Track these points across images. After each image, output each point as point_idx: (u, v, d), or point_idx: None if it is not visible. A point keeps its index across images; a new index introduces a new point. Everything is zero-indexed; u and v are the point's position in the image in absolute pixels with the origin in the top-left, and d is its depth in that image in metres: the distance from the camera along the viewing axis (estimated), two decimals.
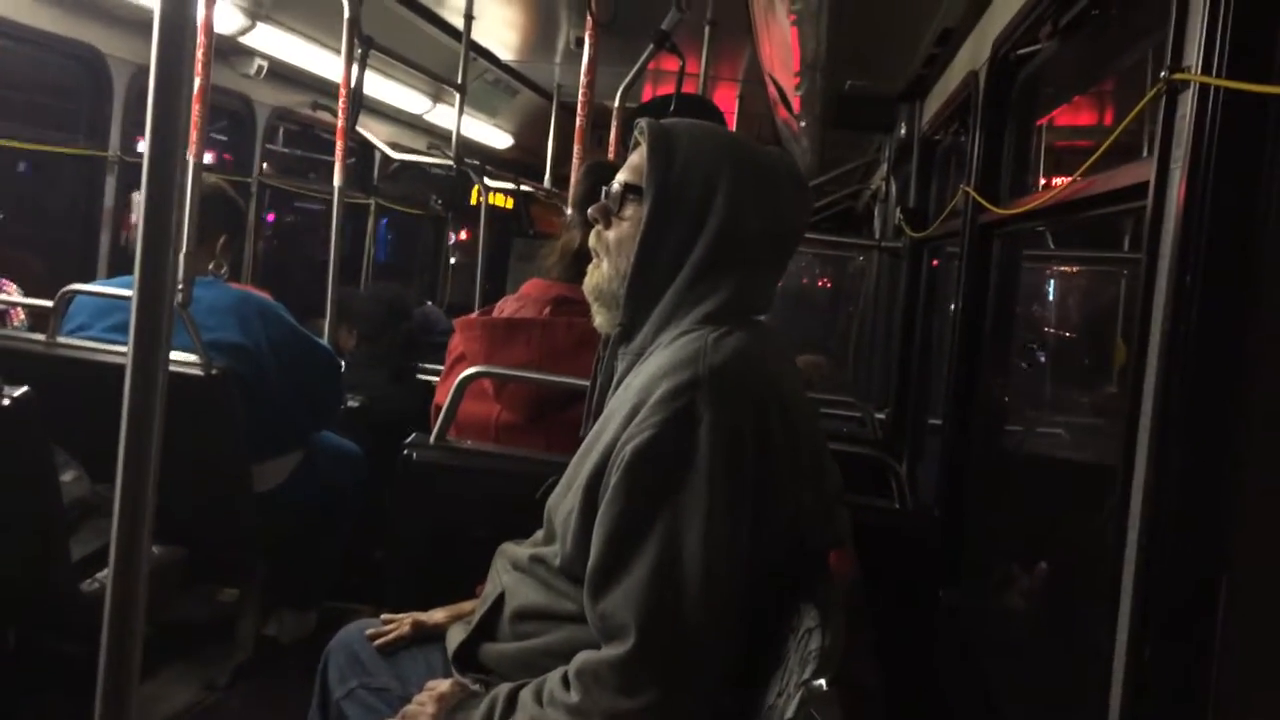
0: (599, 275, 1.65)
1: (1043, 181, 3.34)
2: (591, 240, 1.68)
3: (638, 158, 1.62)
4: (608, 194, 1.64)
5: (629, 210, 1.61)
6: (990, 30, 2.60)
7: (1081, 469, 3.26)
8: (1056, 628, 2.56)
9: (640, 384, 1.47)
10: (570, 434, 1.84)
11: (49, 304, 2.87)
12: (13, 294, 3.40)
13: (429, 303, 6.44)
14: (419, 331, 4.33)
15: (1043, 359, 5.11)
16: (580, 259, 2.31)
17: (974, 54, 2.85)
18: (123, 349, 1.11)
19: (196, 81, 2.80)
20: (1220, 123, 1.13)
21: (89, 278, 3.64)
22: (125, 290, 2.67)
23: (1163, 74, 1.22)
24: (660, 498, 1.38)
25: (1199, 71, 1.14)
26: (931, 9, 3.01)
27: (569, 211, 2.46)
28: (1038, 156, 2.85)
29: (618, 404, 1.52)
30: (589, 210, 1.67)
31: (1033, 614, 2.66)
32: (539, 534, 1.65)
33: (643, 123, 1.62)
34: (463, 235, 8.37)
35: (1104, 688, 1.33)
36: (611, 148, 3.66)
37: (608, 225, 1.64)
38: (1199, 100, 1.15)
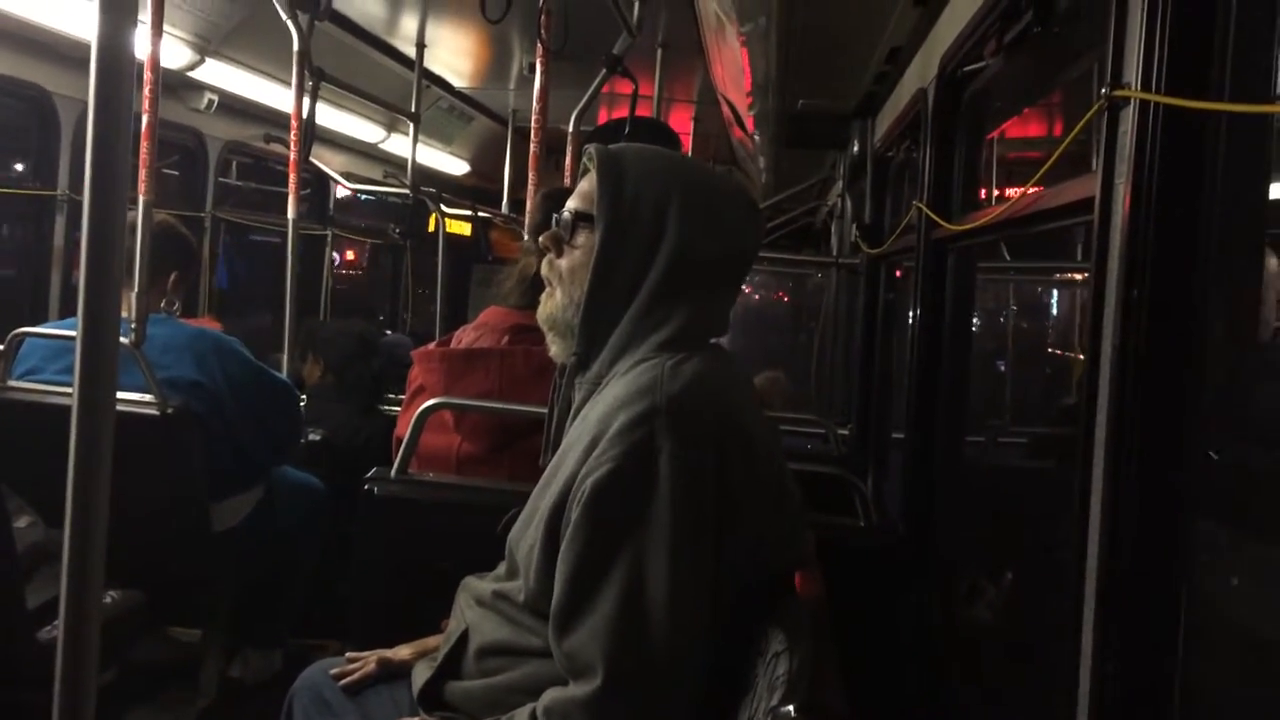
0: (552, 304, 1.64)
1: (997, 192, 3.38)
2: (544, 269, 1.66)
3: (587, 184, 1.61)
4: (558, 222, 1.63)
5: (580, 238, 1.59)
6: (937, 48, 2.63)
7: (1044, 478, 3.28)
8: (1025, 642, 2.57)
9: (598, 415, 1.46)
10: (532, 463, 1.83)
11: None
12: None
13: (389, 331, 6.41)
14: (387, 364, 4.29)
15: (1003, 368, 5.17)
16: (538, 285, 2.30)
17: (922, 71, 2.88)
18: (72, 390, 1.10)
19: (145, 118, 2.78)
20: (1161, 138, 1.14)
21: (40, 319, 3.58)
22: (74, 331, 2.63)
23: (1103, 91, 1.24)
24: (622, 532, 1.37)
25: (1138, 88, 1.16)
26: (880, 28, 3.04)
27: (525, 237, 2.46)
28: (988, 170, 2.88)
29: (576, 435, 1.51)
30: (540, 240, 1.66)
31: (1001, 628, 2.67)
32: (501, 568, 1.64)
33: (591, 149, 1.61)
34: (349, 255, 8.16)
35: (1071, 701, 1.33)
36: (567, 172, 3.66)
37: (559, 253, 1.63)
38: (1139, 116, 1.16)
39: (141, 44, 2.81)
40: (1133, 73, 1.19)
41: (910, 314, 2.87)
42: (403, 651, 1.83)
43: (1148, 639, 1.22)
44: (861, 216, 4.30)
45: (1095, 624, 1.28)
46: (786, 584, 1.55)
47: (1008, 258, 4.24)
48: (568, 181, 3.54)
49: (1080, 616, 1.32)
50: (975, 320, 3.46)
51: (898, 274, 4.03)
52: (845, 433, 3.98)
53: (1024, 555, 2.71)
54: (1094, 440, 1.31)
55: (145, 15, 2.75)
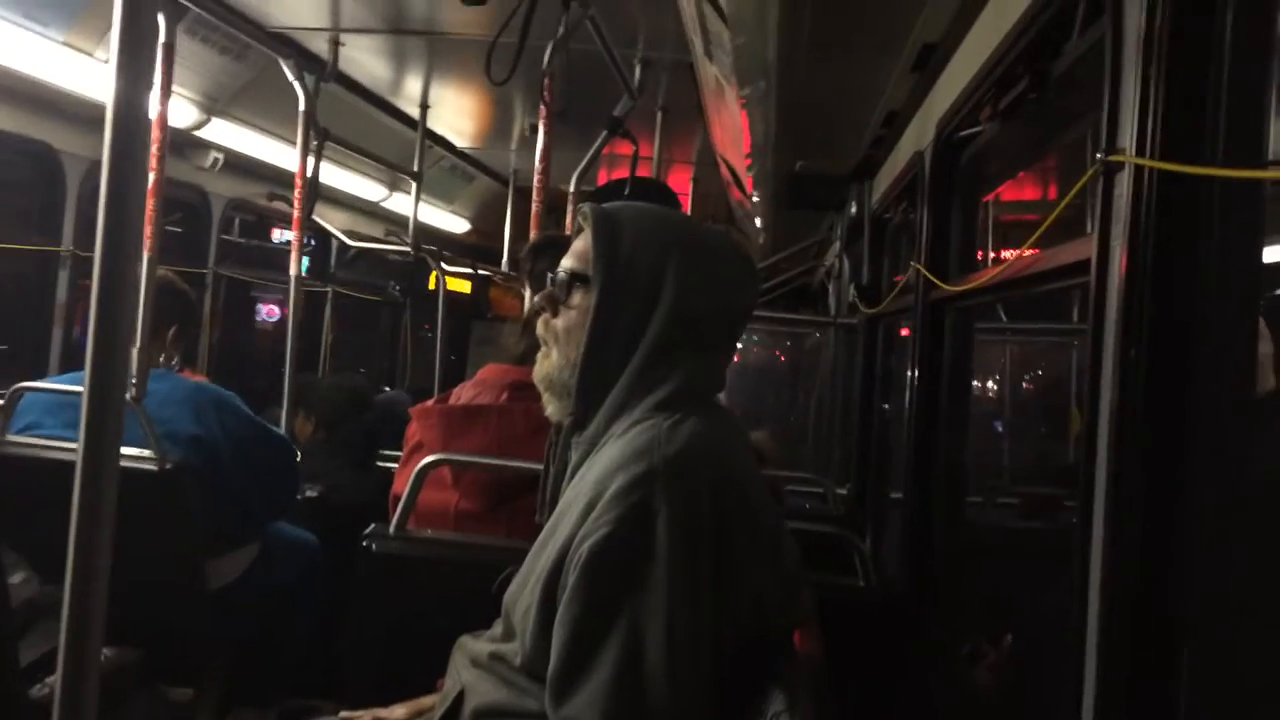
0: (549, 364, 1.64)
1: (994, 254, 3.41)
2: (540, 329, 1.66)
3: (582, 244, 1.60)
4: (554, 282, 1.63)
5: (576, 298, 1.59)
6: (934, 112, 2.67)
7: (1042, 538, 3.27)
8: (1025, 704, 2.55)
9: (595, 476, 1.45)
10: (530, 521, 1.82)
11: None
12: None
13: (386, 388, 6.42)
14: (382, 420, 4.29)
15: (1000, 429, 5.17)
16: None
17: (919, 135, 2.92)
18: (73, 445, 1.10)
19: (151, 176, 2.81)
20: (1156, 201, 1.16)
21: (41, 374, 3.59)
22: (77, 386, 2.64)
23: (1099, 155, 1.26)
24: (620, 597, 1.36)
25: (1133, 153, 1.18)
26: (877, 93, 3.08)
27: (527, 290, 2.48)
28: (985, 232, 2.91)
29: (573, 496, 1.50)
30: (535, 299, 1.66)
31: (1001, 689, 2.65)
32: (497, 628, 1.63)
33: (586, 208, 1.60)
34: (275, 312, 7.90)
35: None
36: (568, 231, 3.69)
37: (555, 313, 1.62)
38: (1134, 180, 1.18)
39: (150, 104, 2.85)
40: (1127, 138, 1.21)
41: (908, 374, 2.88)
42: (398, 711, 1.80)
43: (1150, 703, 1.21)
44: (859, 277, 4.33)
45: (1096, 686, 1.27)
46: (786, 644, 1.54)
47: (1004, 319, 4.27)
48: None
49: (1081, 677, 1.31)
50: (973, 380, 3.47)
51: (904, 333, 4.05)
52: (844, 492, 3.97)
53: (1024, 615, 2.69)
54: (1093, 500, 1.31)
55: (155, 76, 2.80)
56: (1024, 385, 5.31)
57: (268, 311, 6.48)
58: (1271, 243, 1.24)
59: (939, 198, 2.65)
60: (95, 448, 1.10)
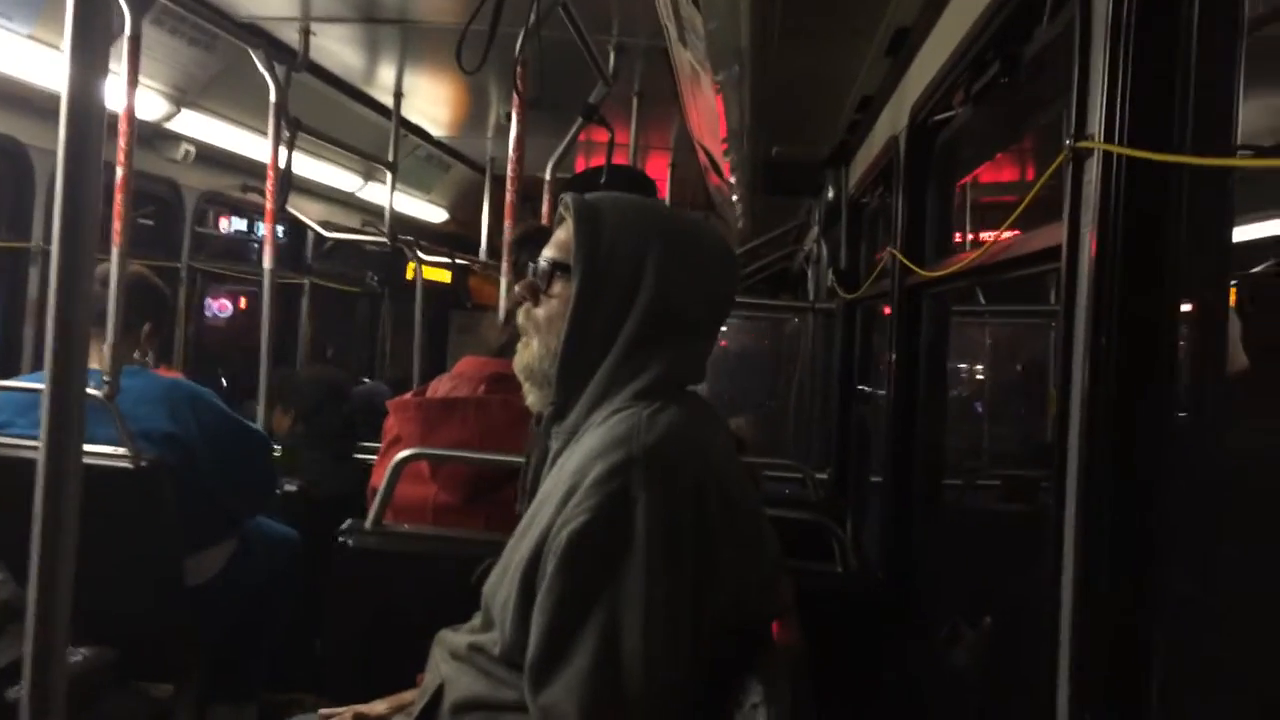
0: (529, 354, 1.64)
1: (971, 236, 3.42)
2: (520, 318, 1.67)
3: (564, 233, 1.61)
4: (535, 271, 1.63)
5: (557, 287, 1.60)
6: (908, 97, 2.67)
7: (1020, 520, 3.29)
8: (1005, 686, 2.56)
9: (574, 465, 1.46)
10: (508, 513, 1.82)
11: None
12: None
13: (365, 380, 6.39)
14: (360, 412, 4.28)
15: (979, 410, 5.19)
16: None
17: (894, 120, 2.92)
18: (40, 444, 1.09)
19: (120, 170, 2.78)
20: (1124, 187, 1.16)
21: (12, 373, 3.55)
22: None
23: (1067, 142, 1.26)
24: (598, 584, 1.36)
25: (1101, 140, 1.18)
26: (851, 77, 3.08)
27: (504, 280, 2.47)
28: (961, 216, 2.91)
29: (552, 485, 1.50)
30: (516, 289, 1.66)
31: (981, 672, 2.66)
32: (476, 619, 1.62)
33: (567, 198, 1.61)
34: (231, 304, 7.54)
35: None
36: (544, 220, 3.68)
37: (536, 303, 1.63)
38: (1103, 166, 1.18)
39: (117, 96, 2.81)
40: (1096, 124, 1.21)
41: (887, 358, 2.89)
42: (378, 706, 1.80)
43: (1124, 681, 1.22)
44: (837, 262, 4.34)
45: (1070, 667, 1.28)
46: (765, 633, 1.54)
47: (983, 301, 4.28)
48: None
49: (1056, 658, 1.32)
50: (952, 363, 3.48)
51: (886, 311, 4.05)
52: (823, 477, 3.98)
53: (1003, 598, 2.71)
54: (1066, 483, 1.31)
55: (120, 67, 2.76)
56: (1003, 367, 5.33)
57: (219, 306, 6.34)
58: (1240, 223, 1.25)
59: (914, 182, 2.65)
60: (58, 444, 1.09)
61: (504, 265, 2.79)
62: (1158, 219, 1.15)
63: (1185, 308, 1.20)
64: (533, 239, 2.44)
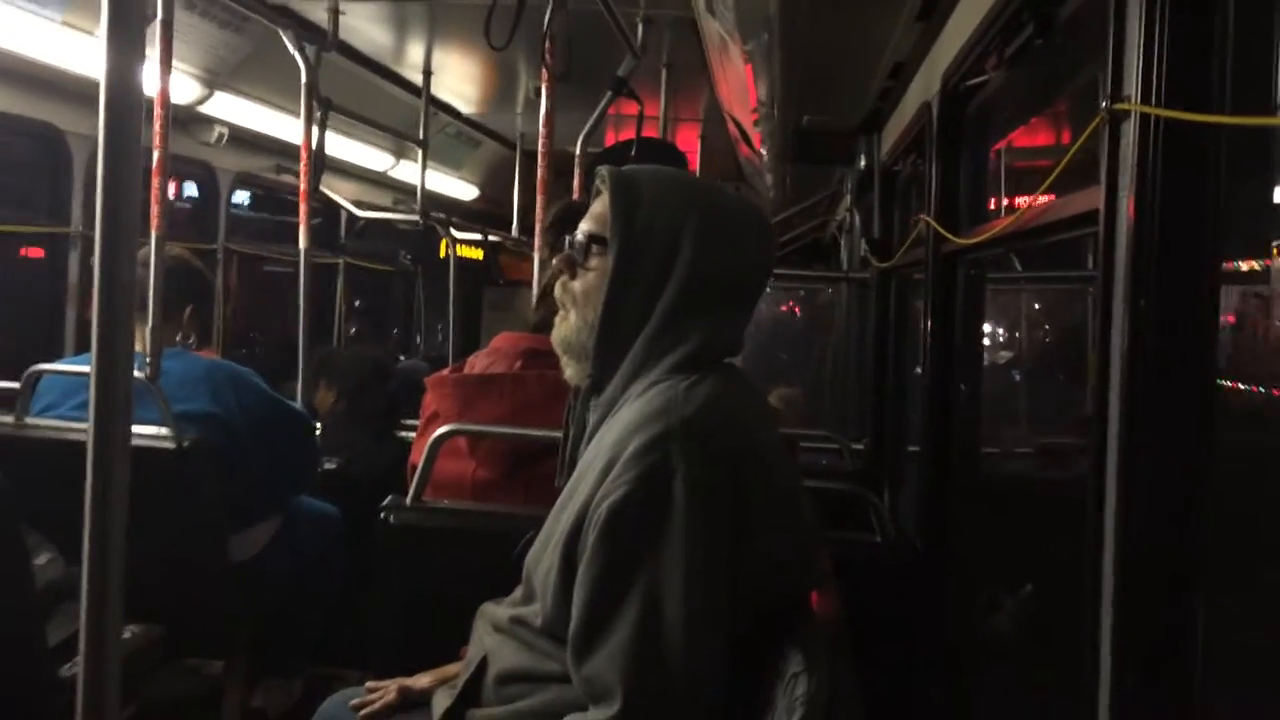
0: (567, 327, 1.64)
1: (1006, 201, 3.38)
2: (557, 291, 1.67)
3: (600, 207, 1.61)
4: (572, 245, 1.64)
5: (594, 260, 1.60)
6: (939, 63, 2.64)
7: (1059, 488, 3.27)
8: (1045, 656, 2.56)
9: (613, 438, 1.46)
10: (547, 487, 1.83)
11: (15, 385, 2.84)
12: None
13: (401, 358, 6.43)
14: (401, 389, 4.31)
15: (1017, 379, 5.15)
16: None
17: (925, 86, 2.89)
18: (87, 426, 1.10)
19: (156, 154, 2.80)
20: (1163, 150, 1.15)
21: (56, 356, 3.61)
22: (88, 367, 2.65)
23: (1104, 104, 1.24)
24: (638, 555, 1.37)
25: (1138, 101, 1.16)
26: (882, 44, 3.05)
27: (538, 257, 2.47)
28: (995, 182, 2.88)
29: (591, 458, 1.51)
30: (554, 262, 1.67)
31: (1021, 642, 2.66)
32: (518, 592, 1.64)
33: (604, 171, 1.61)
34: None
35: (1091, 714, 1.33)
36: (575, 194, 3.67)
37: (573, 276, 1.63)
38: (1140, 129, 1.17)
39: (151, 80, 2.84)
40: (1133, 86, 1.19)
41: (922, 327, 2.87)
42: (422, 680, 1.82)
43: (1166, 649, 1.22)
44: (870, 230, 4.31)
45: (1113, 636, 1.27)
46: (804, 603, 1.55)
47: (1019, 267, 4.24)
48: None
49: (1098, 628, 1.32)
50: (989, 330, 3.45)
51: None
52: (859, 448, 3.97)
53: (1042, 567, 2.70)
54: (1106, 449, 1.31)
55: (154, 51, 2.78)
56: (1041, 333, 5.28)
57: None
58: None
59: (947, 149, 2.63)
60: (105, 426, 1.10)
61: (536, 241, 2.79)
62: (1196, 180, 1.14)
63: (1225, 271, 1.18)
64: (574, 217, 2.44)
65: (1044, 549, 2.76)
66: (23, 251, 4.28)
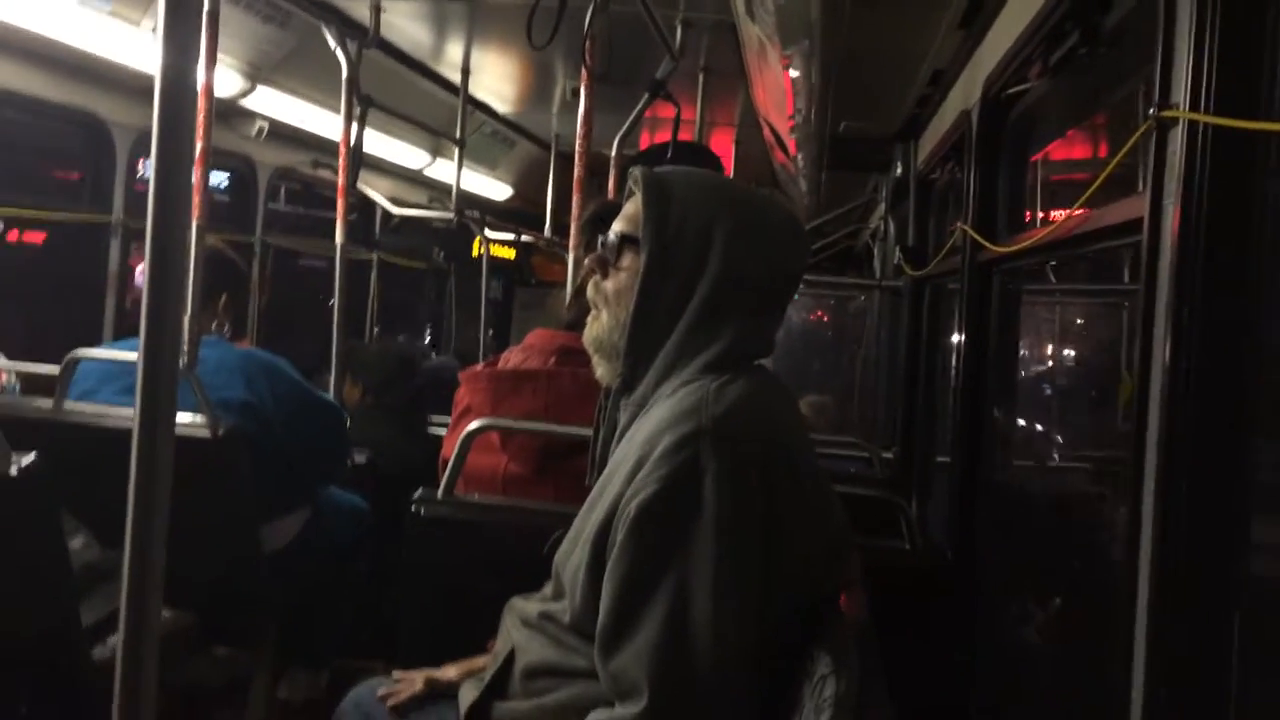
0: (599, 326, 1.65)
1: (1042, 215, 3.36)
2: (590, 291, 1.68)
3: (633, 207, 1.62)
4: (604, 244, 1.64)
5: (626, 260, 1.61)
6: (980, 70, 2.62)
7: (1091, 501, 3.24)
8: (1075, 666, 2.54)
9: (644, 436, 1.47)
10: (577, 484, 1.84)
11: (55, 369, 2.88)
12: None
13: (433, 354, 6.46)
14: (429, 386, 4.33)
15: (1049, 392, 5.12)
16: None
17: (965, 94, 2.88)
18: (129, 412, 1.12)
19: (198, 145, 2.83)
20: (1210, 158, 1.14)
21: (95, 342, 3.65)
22: (131, 354, 2.68)
23: (1151, 111, 1.24)
24: (668, 553, 1.37)
25: (1187, 108, 1.15)
26: (923, 51, 3.04)
27: (570, 258, 2.48)
28: (1034, 192, 2.87)
29: (622, 456, 1.51)
30: (586, 261, 1.67)
31: (1051, 652, 2.64)
32: (548, 588, 1.65)
33: (636, 172, 1.62)
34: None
35: None
36: (610, 195, 3.68)
37: (605, 275, 1.64)
38: (1188, 136, 1.16)
39: (196, 73, 2.87)
40: (1181, 93, 1.18)
41: (955, 336, 2.86)
42: (449, 671, 1.84)
43: (1201, 661, 1.21)
44: (904, 239, 4.29)
45: (1147, 647, 1.26)
46: (833, 605, 1.54)
47: (1054, 280, 4.21)
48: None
49: (1131, 640, 1.30)
50: (1022, 342, 3.43)
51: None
52: (889, 455, 3.96)
53: (1072, 578, 2.68)
54: (1144, 462, 1.30)
55: (200, 44, 2.82)
56: (1075, 348, 5.25)
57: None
58: None
59: (986, 157, 2.61)
60: (150, 414, 1.12)
61: (571, 240, 2.80)
62: (1244, 189, 1.13)
63: (1272, 283, 1.17)
64: (607, 218, 2.45)
65: (1074, 562, 2.74)
66: (27, 238, 4.35)
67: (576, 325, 2.27)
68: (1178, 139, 1.19)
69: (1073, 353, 5.24)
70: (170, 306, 1.13)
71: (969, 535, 2.67)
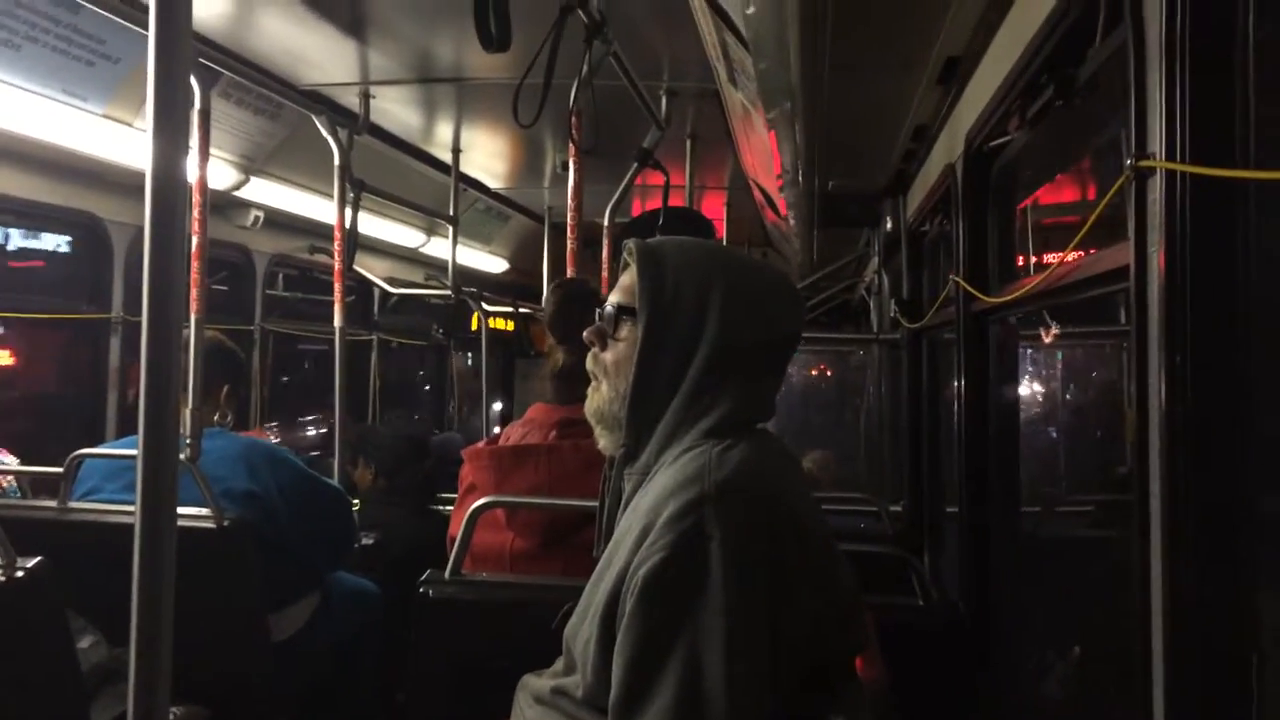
0: (599, 398, 1.66)
1: (1035, 259, 3.38)
2: (589, 363, 1.69)
3: (628, 278, 1.63)
4: (601, 316, 1.66)
5: (624, 331, 1.62)
6: (962, 125, 2.66)
7: (1102, 546, 3.22)
8: (1097, 716, 2.51)
9: (648, 505, 1.47)
10: (585, 557, 1.83)
11: (59, 470, 2.88)
12: (10, 463, 3.39)
13: (437, 431, 6.46)
14: (438, 462, 4.33)
15: (1054, 435, 5.10)
16: (567, 377, 2.35)
17: (949, 148, 2.92)
18: (133, 508, 1.12)
19: (194, 239, 2.87)
20: (1191, 205, 1.15)
21: (97, 440, 3.66)
22: (132, 451, 2.69)
23: (1128, 162, 1.25)
24: (677, 621, 1.36)
25: (1163, 158, 1.17)
26: (904, 108, 3.08)
27: (547, 332, 2.50)
28: (1023, 240, 2.89)
29: (627, 526, 1.51)
30: (584, 334, 1.68)
31: (1069, 705, 2.61)
32: (559, 664, 1.63)
33: (630, 243, 1.63)
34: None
35: None
36: (604, 265, 3.71)
37: (604, 347, 1.65)
38: (1167, 185, 1.17)
39: (190, 168, 2.91)
40: (1157, 143, 1.20)
41: (955, 387, 2.86)
42: None
43: (1218, 704, 1.19)
44: (899, 291, 4.31)
45: (1165, 693, 1.25)
46: (847, 668, 1.53)
47: (1050, 324, 4.22)
48: (605, 274, 3.60)
49: (1149, 688, 1.29)
50: (1024, 388, 3.43)
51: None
52: (898, 510, 3.94)
53: (1087, 627, 2.65)
54: (1149, 506, 1.29)
55: (193, 141, 2.86)
56: (1076, 390, 5.24)
57: None
58: None
59: (973, 209, 2.64)
60: (153, 508, 1.12)
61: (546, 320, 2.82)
62: (1226, 235, 1.14)
63: (1259, 325, 1.18)
64: (578, 297, 2.48)
65: (1089, 610, 2.71)
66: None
67: (571, 396, 2.28)
68: (1157, 187, 1.21)
69: (1077, 393, 5.24)
70: (170, 399, 1.14)
71: (982, 587, 2.65)
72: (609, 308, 1.64)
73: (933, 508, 3.81)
